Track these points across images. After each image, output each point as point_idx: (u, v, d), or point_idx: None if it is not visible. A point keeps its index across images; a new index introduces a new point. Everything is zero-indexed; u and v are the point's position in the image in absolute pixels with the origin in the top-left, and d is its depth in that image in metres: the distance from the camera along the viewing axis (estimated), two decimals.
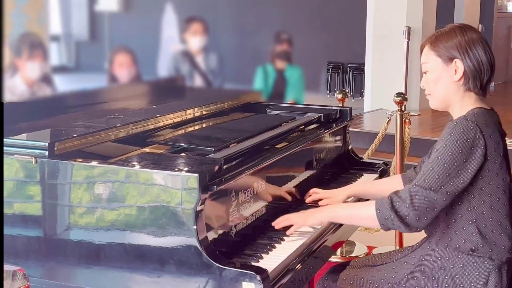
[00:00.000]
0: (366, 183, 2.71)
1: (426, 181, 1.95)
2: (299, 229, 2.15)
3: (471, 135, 1.94)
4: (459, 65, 2.02)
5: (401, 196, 1.97)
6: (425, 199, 1.94)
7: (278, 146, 2.45)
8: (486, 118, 2.00)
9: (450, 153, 1.94)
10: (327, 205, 2.38)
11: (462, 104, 2.06)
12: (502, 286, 2.01)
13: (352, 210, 2.14)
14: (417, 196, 1.94)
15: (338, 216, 2.17)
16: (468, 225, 2.01)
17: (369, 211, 2.01)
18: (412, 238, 2.28)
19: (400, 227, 1.96)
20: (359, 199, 2.53)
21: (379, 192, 2.47)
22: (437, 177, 1.94)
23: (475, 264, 2.01)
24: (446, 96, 2.06)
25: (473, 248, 2.01)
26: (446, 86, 2.05)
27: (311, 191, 2.49)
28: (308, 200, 2.46)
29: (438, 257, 2.07)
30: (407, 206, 1.94)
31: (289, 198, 2.45)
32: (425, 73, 2.10)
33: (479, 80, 2.03)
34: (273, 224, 2.16)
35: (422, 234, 2.17)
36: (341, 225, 2.39)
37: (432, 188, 1.94)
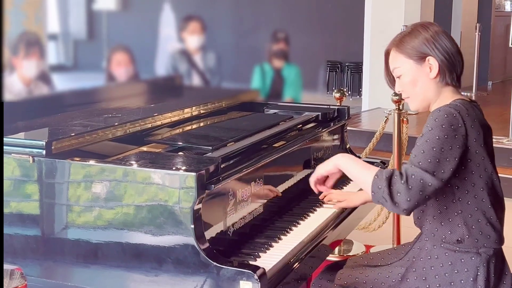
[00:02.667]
0: None
1: (420, 163, 1.90)
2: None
3: (454, 122, 1.93)
4: (432, 62, 2.01)
5: (402, 172, 1.91)
6: (421, 181, 1.88)
7: (275, 145, 2.45)
8: (467, 108, 1.99)
9: (437, 137, 1.91)
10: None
11: (441, 99, 2.05)
12: (491, 280, 2.02)
13: (359, 168, 2.03)
14: (413, 176, 1.89)
15: (347, 169, 2.09)
16: (453, 216, 2.01)
17: (370, 177, 1.94)
18: (410, 237, 2.28)
19: (388, 202, 1.89)
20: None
21: None
22: (429, 160, 1.90)
23: (463, 260, 2.02)
24: (425, 95, 2.06)
25: (459, 239, 2.01)
26: (424, 86, 2.04)
27: (327, 191, 2.50)
28: (325, 199, 2.48)
29: (428, 256, 2.08)
30: (402, 182, 1.88)
31: (286, 197, 2.45)
32: (398, 77, 2.08)
33: (454, 72, 2.03)
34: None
35: (418, 231, 2.17)
36: (339, 223, 2.40)
37: (428, 171, 1.89)
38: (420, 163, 1.90)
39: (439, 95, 2.05)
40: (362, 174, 2.00)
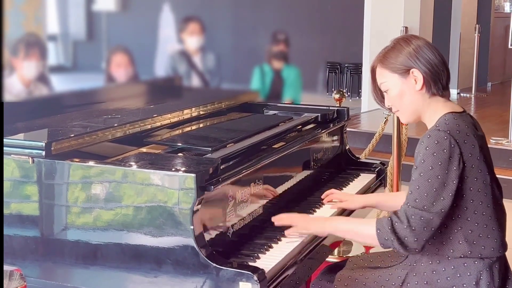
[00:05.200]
0: (382, 195, 2.70)
1: (417, 200, 1.94)
2: (298, 233, 2.13)
3: (446, 145, 1.93)
4: (417, 74, 2.02)
5: (399, 217, 1.95)
6: (421, 219, 1.92)
7: (275, 146, 2.45)
8: (458, 123, 1.99)
9: (430, 167, 1.93)
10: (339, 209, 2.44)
11: (432, 110, 2.06)
12: (495, 285, 2.01)
13: (354, 226, 2.11)
14: (413, 217, 1.93)
15: (340, 229, 2.14)
16: (454, 234, 2.01)
17: (370, 230, 1.99)
18: None
19: (399, 249, 1.95)
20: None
21: (395, 206, 2.46)
22: (426, 194, 1.93)
23: (465, 265, 2.01)
24: (414, 107, 2.07)
25: (461, 256, 2.02)
26: (411, 98, 2.05)
27: (329, 191, 2.51)
28: (325, 200, 2.49)
29: (429, 261, 2.07)
30: (405, 227, 1.93)
31: (286, 198, 2.45)
32: (385, 92, 2.10)
33: (440, 83, 2.03)
34: (273, 219, 2.15)
35: None
36: None
37: (425, 207, 1.92)
38: (417, 200, 1.94)
39: (427, 106, 2.06)
40: (360, 230, 2.06)
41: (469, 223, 1.99)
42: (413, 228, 1.92)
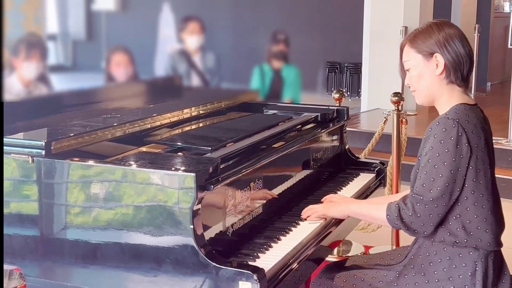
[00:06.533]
0: (381, 199, 2.71)
1: (424, 185, 1.98)
2: (318, 217, 2.29)
3: (453, 133, 1.96)
4: (439, 59, 2.06)
5: (407, 203, 2.02)
6: (426, 206, 1.97)
7: (275, 145, 2.45)
8: (468, 114, 2.02)
9: (437, 154, 1.97)
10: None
11: (446, 97, 2.09)
12: (489, 275, 2.03)
13: (369, 210, 2.22)
14: (418, 205, 1.99)
15: (357, 213, 2.28)
16: (452, 220, 2.03)
17: (382, 214, 2.08)
18: (409, 238, 2.28)
19: (409, 233, 2.04)
20: None
21: None
22: (432, 179, 1.97)
23: (461, 255, 2.04)
24: (430, 90, 2.11)
25: (457, 241, 2.04)
26: (429, 81, 2.09)
27: (328, 196, 2.53)
28: (325, 200, 2.49)
29: (426, 253, 2.10)
30: (410, 214, 1.99)
31: (286, 197, 2.45)
32: (407, 70, 2.14)
33: (459, 72, 2.07)
34: (301, 216, 2.31)
35: None
36: (338, 223, 2.40)
37: (431, 191, 1.96)
38: (424, 185, 1.99)
39: (444, 92, 2.09)
40: (374, 214, 2.16)
41: (469, 214, 2.02)
42: (418, 215, 1.99)
